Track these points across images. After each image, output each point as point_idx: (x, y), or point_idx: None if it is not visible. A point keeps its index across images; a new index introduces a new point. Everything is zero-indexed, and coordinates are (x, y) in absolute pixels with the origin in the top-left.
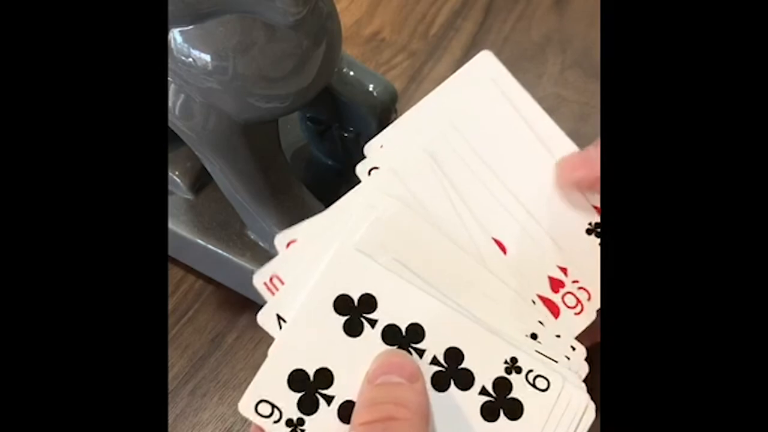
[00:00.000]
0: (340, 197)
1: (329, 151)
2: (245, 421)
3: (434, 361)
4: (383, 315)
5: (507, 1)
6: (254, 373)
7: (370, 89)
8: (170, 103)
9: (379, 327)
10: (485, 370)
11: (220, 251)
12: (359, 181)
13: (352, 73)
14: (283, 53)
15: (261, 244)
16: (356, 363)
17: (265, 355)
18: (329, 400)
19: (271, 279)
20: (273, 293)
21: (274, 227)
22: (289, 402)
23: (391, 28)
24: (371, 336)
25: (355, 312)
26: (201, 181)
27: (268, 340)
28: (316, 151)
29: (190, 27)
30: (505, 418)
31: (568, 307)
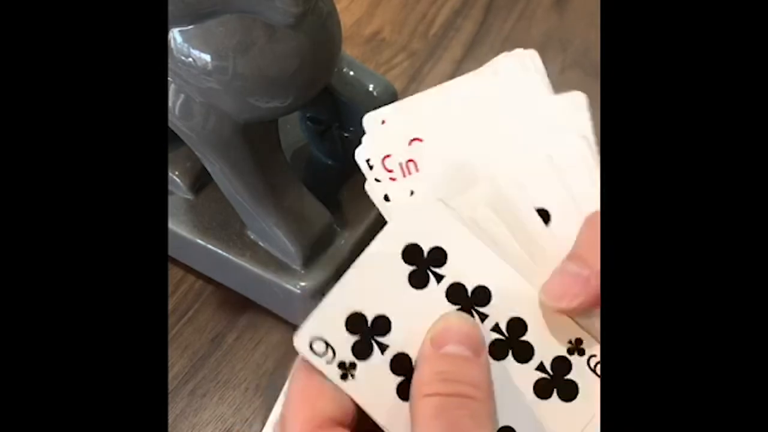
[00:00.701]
0: (340, 197)
1: (329, 151)
2: (245, 421)
3: (496, 328)
4: (451, 271)
5: (507, 0)
6: (254, 373)
7: (370, 89)
8: (170, 103)
9: (445, 283)
10: (547, 346)
11: (220, 251)
12: (359, 179)
13: (352, 73)
14: (283, 53)
15: (261, 244)
16: (416, 316)
17: (265, 355)
18: (383, 348)
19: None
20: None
21: (274, 227)
22: (344, 344)
23: (391, 28)
24: (435, 291)
25: (422, 264)
26: (201, 181)
27: (268, 340)
28: (316, 151)
29: (190, 27)
30: (557, 397)
31: None
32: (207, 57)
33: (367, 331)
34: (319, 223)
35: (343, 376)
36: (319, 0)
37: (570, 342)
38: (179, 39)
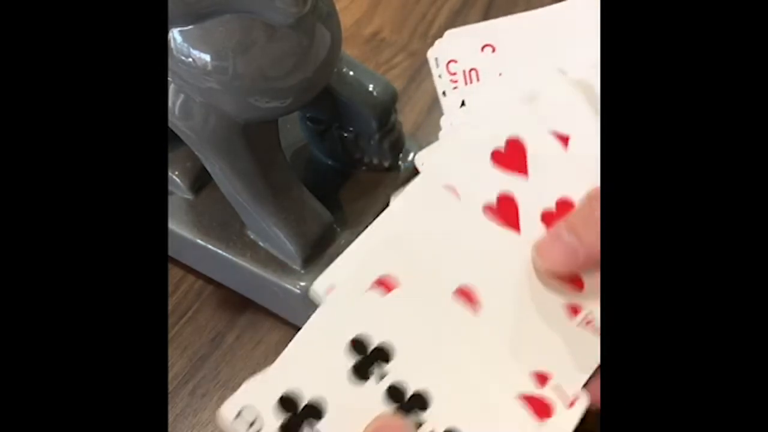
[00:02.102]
0: (340, 197)
1: (329, 151)
2: None
3: None
4: (395, 370)
5: (506, 1)
6: (254, 373)
7: (370, 89)
8: (170, 103)
9: (387, 382)
10: None
11: (220, 251)
12: (359, 179)
13: (352, 73)
14: (283, 53)
15: (261, 244)
16: (352, 407)
17: (265, 355)
18: None
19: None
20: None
21: (274, 227)
22: (273, 420)
23: (391, 28)
24: (375, 387)
25: (368, 357)
26: (201, 181)
27: (268, 340)
28: (316, 151)
29: (190, 27)
30: None
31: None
32: (207, 57)
33: (300, 413)
34: (319, 223)
35: None
36: (319, 0)
37: None
38: (179, 39)
